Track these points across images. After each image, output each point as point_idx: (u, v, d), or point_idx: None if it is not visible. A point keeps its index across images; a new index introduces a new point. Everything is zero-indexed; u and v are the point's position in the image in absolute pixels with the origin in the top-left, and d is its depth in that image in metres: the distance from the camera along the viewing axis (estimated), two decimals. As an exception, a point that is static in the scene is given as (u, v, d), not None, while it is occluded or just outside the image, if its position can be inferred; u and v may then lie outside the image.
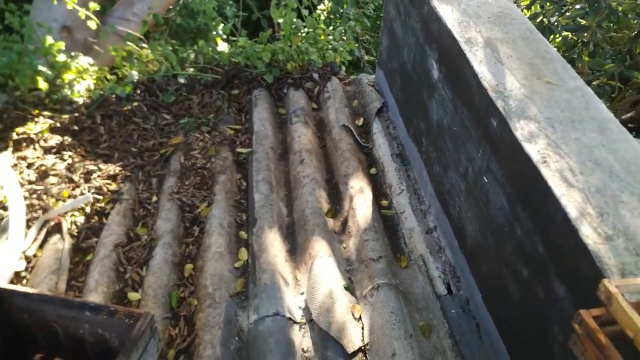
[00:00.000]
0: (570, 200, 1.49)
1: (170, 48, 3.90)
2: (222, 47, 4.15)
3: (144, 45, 4.04)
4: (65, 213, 2.57)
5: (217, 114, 3.46)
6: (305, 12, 4.39)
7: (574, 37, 4.51)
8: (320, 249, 2.41)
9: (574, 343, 1.15)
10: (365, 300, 2.21)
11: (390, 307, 2.11)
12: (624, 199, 1.51)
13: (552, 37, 4.45)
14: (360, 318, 2.16)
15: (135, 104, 3.43)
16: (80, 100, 3.46)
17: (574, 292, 1.46)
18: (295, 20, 4.16)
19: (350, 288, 2.30)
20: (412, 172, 2.95)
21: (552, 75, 2.04)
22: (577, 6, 4.47)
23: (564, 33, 4.56)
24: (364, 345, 2.05)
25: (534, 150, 1.67)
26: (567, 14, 4.42)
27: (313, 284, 2.26)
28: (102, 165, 2.91)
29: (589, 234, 1.40)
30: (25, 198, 2.62)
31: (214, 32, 4.67)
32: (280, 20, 4.12)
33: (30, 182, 2.74)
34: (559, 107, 1.86)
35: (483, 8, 2.53)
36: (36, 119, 3.24)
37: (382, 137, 3.23)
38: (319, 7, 6.32)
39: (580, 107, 1.87)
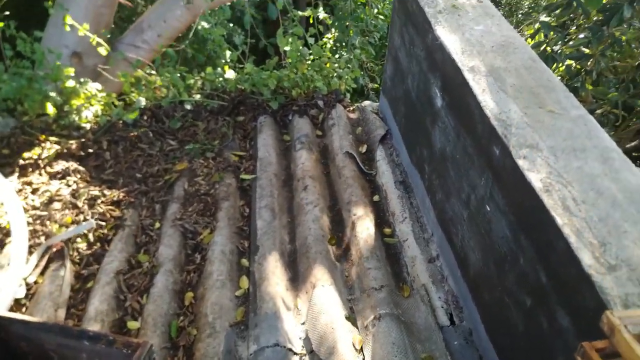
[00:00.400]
0: (573, 230, 1.47)
1: (178, 74, 3.96)
2: (230, 74, 4.20)
3: (152, 72, 4.11)
4: (68, 239, 2.57)
5: (222, 140, 3.49)
6: (311, 40, 4.46)
7: (577, 66, 4.54)
8: (321, 277, 2.39)
9: (577, 378, 1.12)
10: (367, 331, 2.17)
11: (392, 338, 2.08)
12: (627, 229, 1.49)
13: (555, 65, 4.48)
14: (361, 349, 2.12)
15: (142, 129, 3.47)
16: (88, 126, 3.50)
17: (578, 323, 1.43)
18: (301, 47, 4.23)
19: (351, 318, 2.26)
20: (415, 200, 2.94)
21: (555, 104, 2.04)
22: (581, 35, 4.52)
23: (567, 62, 4.59)
24: (366, 377, 2.01)
25: (536, 178, 1.66)
26: (571, 42, 4.46)
27: (314, 313, 2.23)
28: (106, 191, 2.93)
29: (592, 264, 1.37)
30: (29, 224, 2.63)
31: (222, 60, 4.74)
32: (287, 48, 4.18)
33: (34, 208, 2.75)
34: (561, 135, 1.86)
35: (487, 37, 2.55)
36: (43, 144, 3.28)
37: (386, 164, 3.23)
38: (325, 35, 6.43)
39: (583, 135, 1.86)
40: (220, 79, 4.04)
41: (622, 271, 1.37)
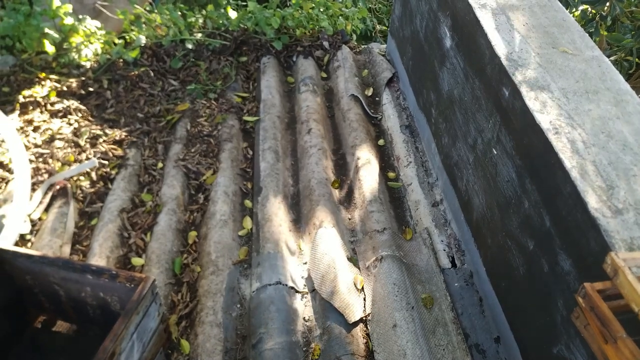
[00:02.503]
0: (581, 173, 1.44)
1: (179, 13, 3.83)
2: (232, 13, 4.06)
3: (153, 9, 3.97)
4: (71, 177, 2.57)
5: (225, 81, 3.41)
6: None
7: (593, 11, 4.35)
8: (324, 219, 2.39)
9: (577, 316, 1.13)
10: (368, 272, 2.20)
11: (393, 278, 2.10)
12: (636, 173, 1.46)
13: (569, 10, 4.29)
14: (362, 289, 2.15)
15: (143, 69, 3.39)
16: (88, 65, 3.43)
17: (580, 266, 1.43)
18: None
19: (353, 259, 2.28)
20: (420, 144, 2.90)
21: (569, 45, 1.96)
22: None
23: (583, 6, 4.40)
24: (366, 316, 2.05)
25: (546, 120, 1.61)
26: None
27: (316, 254, 2.25)
28: (108, 130, 2.89)
29: (598, 207, 1.35)
30: (31, 161, 2.62)
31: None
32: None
33: (36, 146, 2.73)
34: (573, 77, 1.80)
35: (500, -26, 2.43)
36: (43, 83, 3.22)
37: (392, 108, 3.17)
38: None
39: (596, 77, 1.80)
40: (223, 17, 3.90)
41: (629, 215, 1.35)
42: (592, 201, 1.38)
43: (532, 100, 1.68)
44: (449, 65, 2.49)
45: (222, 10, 4.05)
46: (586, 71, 1.83)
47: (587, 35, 2.03)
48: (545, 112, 1.64)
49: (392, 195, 2.65)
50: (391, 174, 2.78)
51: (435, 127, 2.70)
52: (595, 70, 1.84)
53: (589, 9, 4.43)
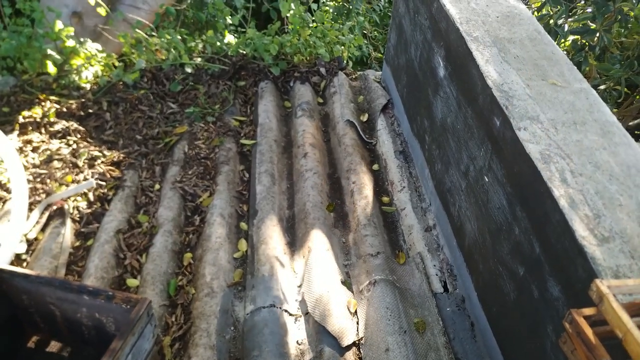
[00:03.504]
0: (568, 202, 1.49)
1: (179, 37, 3.91)
2: (230, 38, 4.15)
3: (153, 33, 4.05)
4: (68, 198, 2.59)
5: (223, 104, 3.47)
6: (314, 6, 4.39)
7: (583, 41, 4.47)
8: (319, 242, 2.42)
9: (564, 342, 1.16)
10: (362, 295, 2.22)
11: (386, 302, 2.12)
12: (622, 202, 1.51)
13: (559, 39, 4.42)
14: (355, 312, 2.17)
15: (142, 91, 3.45)
16: (88, 86, 3.48)
17: (568, 293, 1.47)
18: (304, 13, 4.16)
19: (347, 283, 2.31)
20: (414, 170, 2.95)
21: (558, 77, 2.03)
22: (589, 9, 4.44)
23: (574, 37, 4.53)
24: (358, 340, 2.06)
25: (536, 150, 1.67)
26: (575, 16, 4.39)
27: (310, 277, 2.27)
28: (106, 152, 2.93)
29: (585, 236, 1.40)
30: (29, 181, 2.64)
31: (222, 23, 4.67)
32: (289, 13, 4.11)
33: (34, 166, 2.76)
34: (562, 108, 1.86)
35: (492, 7, 2.52)
36: (43, 103, 3.27)
37: (386, 133, 3.23)
38: (328, 1, 6.31)
39: (584, 109, 1.86)
40: (222, 43, 3.99)
41: (615, 243, 1.39)
42: (580, 229, 1.42)
43: (522, 130, 1.74)
44: (442, 94, 2.56)
45: (220, 35, 4.14)
46: (574, 103, 1.90)
47: (576, 68, 2.10)
48: (535, 142, 1.70)
49: (386, 219, 2.69)
50: (385, 199, 2.82)
51: (429, 153, 2.75)
52: (583, 102, 1.90)
53: (579, 39, 4.55)
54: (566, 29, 4.29)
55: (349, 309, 2.16)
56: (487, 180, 2.01)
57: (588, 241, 1.39)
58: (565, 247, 1.46)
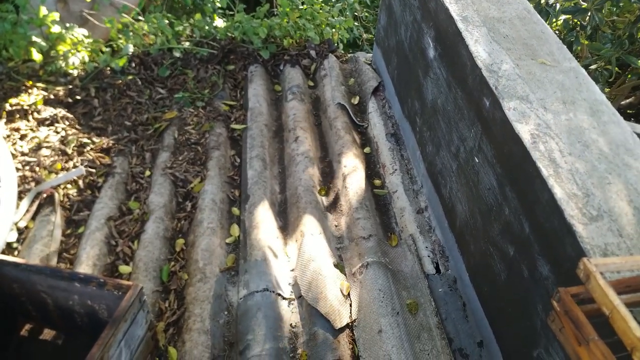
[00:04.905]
0: (557, 181, 1.49)
1: (167, 21, 3.85)
2: (219, 22, 4.09)
3: (140, 18, 3.99)
4: (58, 185, 2.57)
5: (212, 89, 3.44)
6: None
7: (575, 20, 4.45)
8: (311, 226, 2.42)
9: (552, 320, 1.17)
10: (354, 278, 2.23)
11: (378, 284, 2.14)
12: (611, 181, 1.51)
13: (551, 19, 4.39)
14: (348, 295, 2.18)
15: (130, 77, 3.40)
16: (75, 73, 3.44)
17: (557, 272, 1.48)
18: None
19: (339, 265, 2.32)
20: (405, 152, 2.95)
21: (547, 56, 2.02)
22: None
23: (565, 16, 4.50)
24: (352, 322, 2.08)
25: (525, 130, 1.67)
26: (568, -5, 4.36)
27: (303, 260, 2.27)
28: (95, 139, 2.90)
29: (574, 214, 1.40)
30: (18, 170, 2.61)
31: (210, 6, 4.61)
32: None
33: (23, 154, 2.73)
34: (551, 88, 1.86)
35: (481, -14, 2.49)
36: (30, 91, 3.22)
37: (378, 116, 3.22)
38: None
39: (573, 88, 1.86)
40: (210, 26, 3.93)
41: (604, 221, 1.40)
42: (569, 208, 1.43)
43: (511, 110, 1.74)
44: (432, 75, 2.54)
45: (209, 19, 4.08)
46: (564, 82, 1.89)
47: (565, 47, 2.09)
48: (524, 122, 1.70)
49: (378, 202, 2.69)
50: (377, 182, 2.82)
51: (420, 136, 2.75)
52: (572, 81, 1.90)
53: (571, 19, 4.53)
54: (557, 8, 4.27)
55: (342, 292, 2.18)
56: (477, 161, 2.01)
57: (577, 220, 1.40)
58: (554, 227, 1.47)
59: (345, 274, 2.28)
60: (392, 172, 2.80)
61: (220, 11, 4.78)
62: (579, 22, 4.35)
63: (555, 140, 1.63)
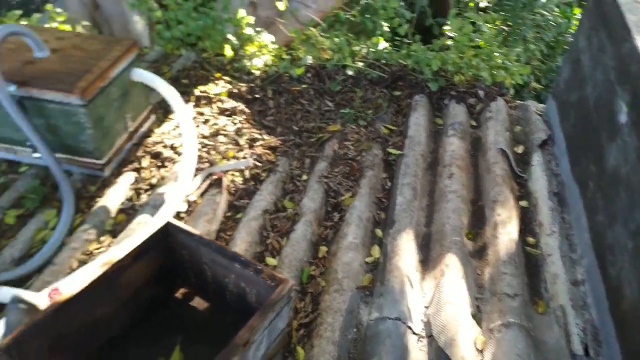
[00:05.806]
0: None
1: (346, 40, 4.05)
2: (382, 45, 4.19)
3: (322, 33, 4.24)
4: (227, 171, 2.81)
5: (376, 111, 3.53)
6: (484, 28, 4.28)
7: None
8: (453, 267, 2.36)
9: None
10: (492, 335, 2.12)
11: (517, 349, 2.01)
12: None
13: None
14: (482, 351, 2.08)
15: (304, 86, 3.63)
16: (257, 73, 3.75)
17: None
18: (472, 33, 4.08)
19: (477, 317, 2.22)
20: (568, 216, 2.75)
21: None
22: None
23: None
24: (481, 378, 1.98)
25: None
26: None
27: (440, 301, 2.22)
28: (265, 136, 3.14)
29: None
30: (198, 150, 2.91)
31: (388, 32, 4.75)
32: (454, 33, 4.06)
33: (203, 137, 3.04)
34: None
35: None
36: (217, 82, 3.58)
37: (541, 170, 3.05)
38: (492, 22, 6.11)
39: None
40: (383, 51, 4.05)
41: None
42: None
43: None
44: (619, 142, 2.35)
45: (384, 43, 4.19)
46: None
47: None
48: None
49: (529, 262, 2.54)
50: (530, 239, 2.66)
51: (590, 202, 2.55)
52: None
53: None
54: None
55: (475, 345, 2.08)
56: (665, 246, 1.81)
57: None
58: None
59: (481, 327, 2.18)
60: (550, 234, 2.62)
61: (396, 38, 4.90)
62: None
63: None
